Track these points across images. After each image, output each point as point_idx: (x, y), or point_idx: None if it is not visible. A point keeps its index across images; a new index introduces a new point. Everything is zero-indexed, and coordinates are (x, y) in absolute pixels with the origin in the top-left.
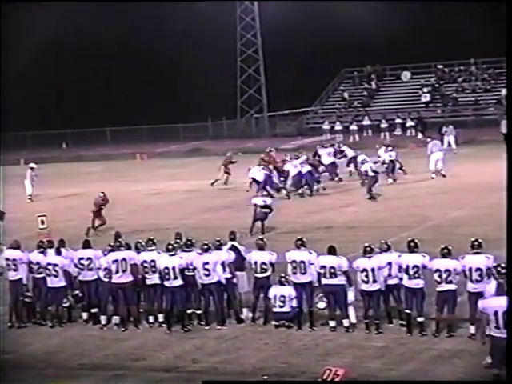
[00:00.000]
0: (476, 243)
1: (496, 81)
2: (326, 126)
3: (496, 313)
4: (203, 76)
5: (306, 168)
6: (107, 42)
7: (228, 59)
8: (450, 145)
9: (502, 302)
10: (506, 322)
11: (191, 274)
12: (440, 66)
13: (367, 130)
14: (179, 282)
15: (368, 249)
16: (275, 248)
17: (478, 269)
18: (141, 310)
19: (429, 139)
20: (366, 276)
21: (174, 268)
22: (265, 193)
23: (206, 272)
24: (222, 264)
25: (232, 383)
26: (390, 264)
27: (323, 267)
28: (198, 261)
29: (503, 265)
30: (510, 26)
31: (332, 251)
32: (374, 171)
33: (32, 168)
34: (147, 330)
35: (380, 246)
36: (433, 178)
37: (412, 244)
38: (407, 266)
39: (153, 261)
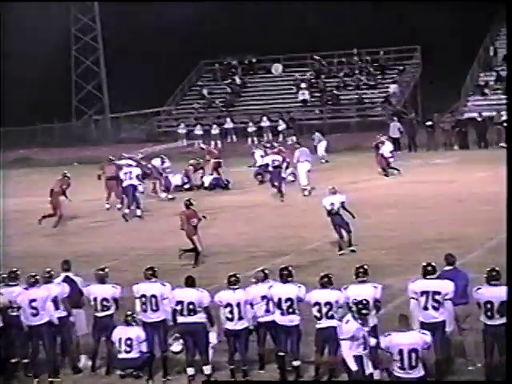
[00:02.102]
0: (361, 270)
1: (383, 75)
2: (181, 130)
3: (401, 351)
4: (29, 70)
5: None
6: None
7: (60, 48)
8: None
9: (407, 339)
10: (412, 362)
11: (15, 313)
12: (317, 58)
13: (231, 135)
14: None
15: (233, 279)
16: (120, 280)
17: (365, 300)
18: None
19: (297, 145)
20: (231, 312)
21: None
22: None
23: (34, 311)
24: (54, 300)
25: (232, 383)
26: (266, 297)
27: (180, 302)
28: (23, 297)
29: (366, 302)
30: (510, 25)
31: (190, 283)
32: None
33: None
34: None
35: (256, 274)
36: (305, 195)
37: (285, 272)
38: (279, 300)
39: None
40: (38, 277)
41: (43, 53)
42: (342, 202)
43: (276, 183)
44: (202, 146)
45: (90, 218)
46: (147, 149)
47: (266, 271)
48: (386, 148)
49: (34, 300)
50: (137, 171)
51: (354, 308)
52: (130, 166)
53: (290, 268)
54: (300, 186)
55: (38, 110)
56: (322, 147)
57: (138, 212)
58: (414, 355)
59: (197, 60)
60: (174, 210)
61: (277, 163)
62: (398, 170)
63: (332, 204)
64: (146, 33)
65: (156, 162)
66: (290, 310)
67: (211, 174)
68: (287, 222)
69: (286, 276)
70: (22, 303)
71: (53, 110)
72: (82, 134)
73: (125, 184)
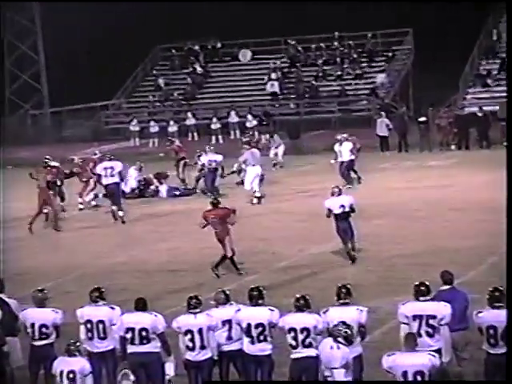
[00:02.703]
0: (343, 291)
1: (369, 63)
2: (134, 127)
3: (405, 373)
4: None
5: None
6: None
7: None
8: (276, 155)
9: (413, 360)
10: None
11: None
12: (292, 42)
13: (192, 133)
14: None
15: (193, 302)
16: (61, 303)
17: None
18: None
19: (246, 146)
20: (191, 340)
21: None
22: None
23: None
24: None
25: (233, 383)
26: (229, 322)
27: (130, 329)
28: None
29: (354, 324)
30: (510, 25)
31: (142, 306)
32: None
33: None
34: None
35: (216, 296)
36: (253, 203)
37: (255, 293)
38: (248, 325)
39: None
40: None
41: None
42: (352, 204)
43: (208, 187)
44: (172, 139)
45: (25, 229)
46: (93, 148)
47: (227, 292)
48: (344, 149)
49: None
50: (119, 166)
51: (342, 329)
52: (111, 159)
53: (261, 288)
54: (250, 193)
55: None
56: (280, 151)
57: (121, 213)
58: (419, 378)
59: (151, 45)
60: (125, 218)
61: (214, 164)
62: (359, 177)
63: (342, 206)
64: (92, 12)
65: (133, 171)
66: (261, 338)
67: (182, 178)
68: (256, 235)
69: (256, 298)
70: None
71: None
72: (16, 132)
73: (105, 182)
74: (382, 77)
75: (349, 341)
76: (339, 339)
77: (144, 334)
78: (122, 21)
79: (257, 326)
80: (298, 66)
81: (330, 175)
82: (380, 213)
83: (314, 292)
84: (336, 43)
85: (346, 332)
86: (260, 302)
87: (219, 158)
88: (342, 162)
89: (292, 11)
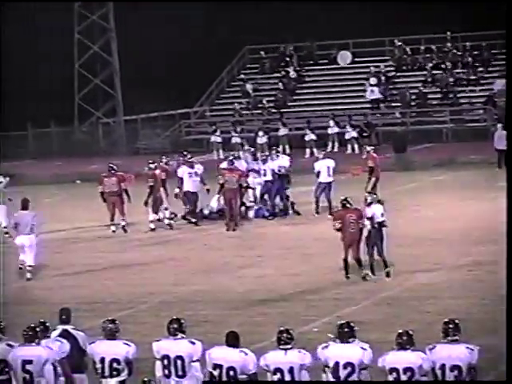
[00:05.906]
0: (451, 326)
1: (486, 67)
2: (216, 138)
3: None
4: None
5: None
6: None
7: (58, 29)
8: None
9: None
10: None
11: (4, 377)
12: (398, 43)
13: (283, 144)
14: None
15: (284, 336)
16: (135, 335)
17: (456, 366)
18: None
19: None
20: (281, 380)
21: None
22: None
23: (27, 376)
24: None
25: (233, 383)
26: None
27: (218, 366)
28: (15, 358)
29: (463, 365)
30: (510, 25)
31: (232, 341)
32: None
33: None
34: None
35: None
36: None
37: (346, 330)
38: (336, 364)
39: None
40: (37, 329)
41: (35, 36)
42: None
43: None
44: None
45: (95, 251)
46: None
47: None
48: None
49: (28, 361)
50: (201, 169)
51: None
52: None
53: (352, 324)
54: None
55: (30, 110)
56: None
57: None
58: None
59: (239, 45)
60: (207, 241)
61: (283, 171)
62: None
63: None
64: (172, 8)
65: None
66: (349, 380)
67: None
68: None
69: (346, 335)
70: (13, 363)
71: (49, 110)
72: (86, 143)
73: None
74: (500, 83)
75: None
76: None
77: (232, 373)
78: (205, 18)
79: (345, 365)
80: (404, 69)
81: (438, 194)
82: (496, 237)
83: (420, 327)
84: (448, 44)
85: None
86: (350, 340)
87: (288, 163)
88: None
89: (397, 8)
